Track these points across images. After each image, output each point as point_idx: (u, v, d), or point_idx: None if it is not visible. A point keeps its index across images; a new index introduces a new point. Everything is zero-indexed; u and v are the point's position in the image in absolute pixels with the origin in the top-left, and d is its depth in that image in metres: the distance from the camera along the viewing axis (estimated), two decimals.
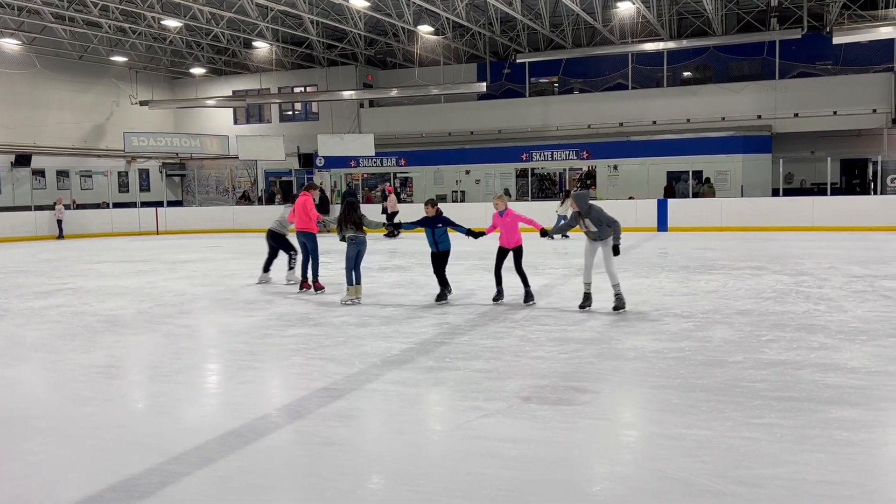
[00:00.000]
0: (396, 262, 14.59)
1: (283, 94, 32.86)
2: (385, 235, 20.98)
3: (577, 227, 8.99)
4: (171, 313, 9.24)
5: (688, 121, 26.89)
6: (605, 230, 8.54)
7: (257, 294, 10.79)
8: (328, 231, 12.34)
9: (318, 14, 25.30)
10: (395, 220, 19.50)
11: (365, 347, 7.05)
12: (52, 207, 24.52)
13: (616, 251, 8.47)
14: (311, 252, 10.75)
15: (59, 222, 24.09)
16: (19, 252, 19.21)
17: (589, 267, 8.79)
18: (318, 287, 10.69)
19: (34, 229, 24.00)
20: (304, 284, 10.85)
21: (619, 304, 8.59)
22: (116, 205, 27.63)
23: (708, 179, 24.77)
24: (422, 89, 28.47)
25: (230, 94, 33.59)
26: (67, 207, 25.93)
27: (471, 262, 13.78)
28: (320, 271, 10.90)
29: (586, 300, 8.83)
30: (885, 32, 22.22)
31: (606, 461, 4.20)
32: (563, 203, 19.49)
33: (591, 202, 8.73)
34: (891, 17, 23.32)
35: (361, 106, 32.07)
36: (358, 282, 9.71)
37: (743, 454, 4.11)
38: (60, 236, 23.92)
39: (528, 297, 9.25)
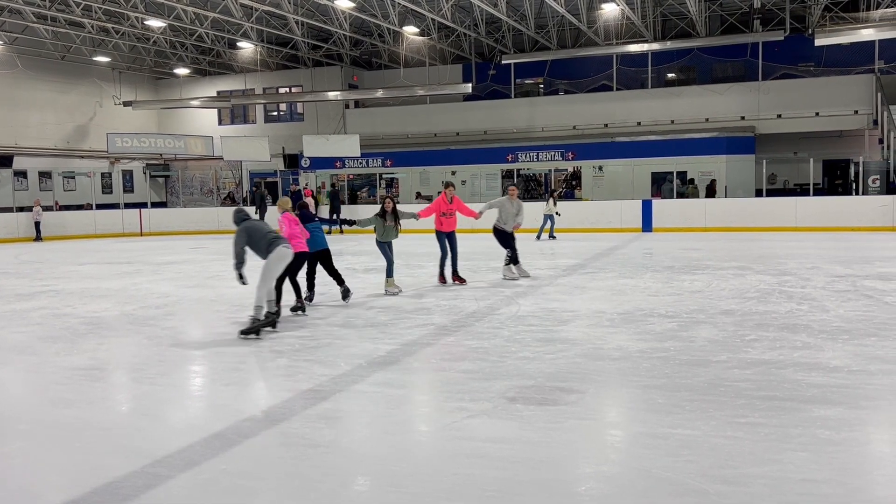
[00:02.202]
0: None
1: (267, 94, 32.74)
2: None
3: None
4: (155, 315, 9.17)
5: (672, 122, 27.06)
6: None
7: (242, 296, 10.72)
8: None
9: (303, 14, 25.23)
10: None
11: (350, 349, 7.04)
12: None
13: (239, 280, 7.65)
14: (450, 248, 11.23)
15: (38, 224, 23.79)
16: (0, 254, 19.01)
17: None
18: (457, 280, 11.25)
19: (16, 231, 23.76)
20: (441, 279, 11.27)
21: (248, 328, 7.61)
22: (100, 206, 27.40)
23: (692, 180, 24.93)
24: (407, 90, 28.48)
25: (214, 94, 33.44)
26: (49, 209, 25.68)
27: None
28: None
29: (271, 317, 7.73)
30: (866, 34, 22.47)
31: (592, 461, 4.21)
32: (547, 204, 19.61)
33: (244, 218, 7.96)
34: (872, 19, 23.57)
35: (347, 107, 32.02)
36: (389, 274, 10.50)
37: (727, 453, 4.14)
38: (39, 238, 23.63)
39: (299, 307, 8.99)
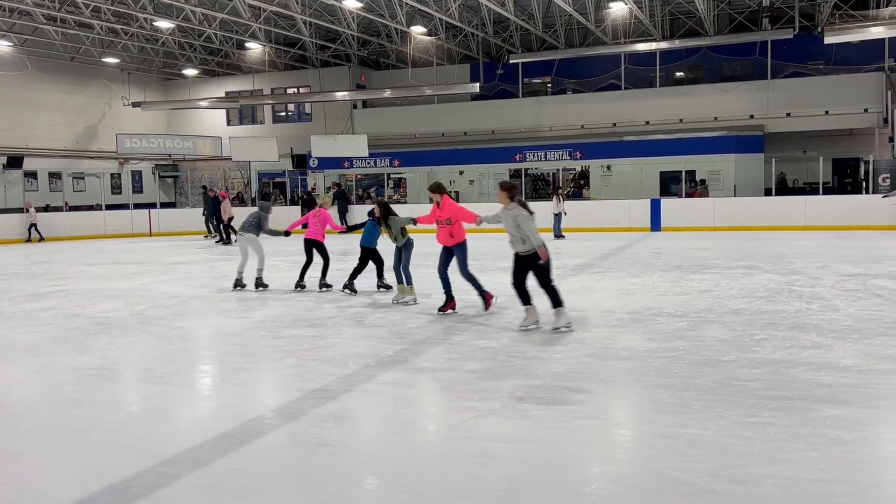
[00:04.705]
0: (389, 262, 14.58)
1: (275, 95, 32.81)
2: (217, 242, 21.11)
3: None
4: (164, 315, 9.21)
5: (681, 121, 26.96)
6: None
7: (251, 295, 10.76)
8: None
9: (311, 15, 25.28)
10: (233, 225, 20.16)
11: (359, 348, 7.05)
12: (44, 209, 24.26)
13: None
14: (459, 265, 8.78)
15: (35, 226, 23.66)
16: (11, 254, 19.12)
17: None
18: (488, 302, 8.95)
19: (26, 231, 23.86)
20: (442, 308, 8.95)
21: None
22: (109, 206, 27.51)
23: (703, 181, 24.85)
24: (415, 90, 28.47)
25: (223, 95, 33.53)
26: (58, 209, 25.70)
27: None
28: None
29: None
30: (875, 32, 22.32)
31: (600, 461, 4.20)
32: (556, 202, 19.70)
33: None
34: (881, 17, 23.43)
35: (355, 107, 32.06)
36: (409, 282, 9.68)
37: (736, 453, 4.12)
38: (40, 239, 23.57)
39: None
